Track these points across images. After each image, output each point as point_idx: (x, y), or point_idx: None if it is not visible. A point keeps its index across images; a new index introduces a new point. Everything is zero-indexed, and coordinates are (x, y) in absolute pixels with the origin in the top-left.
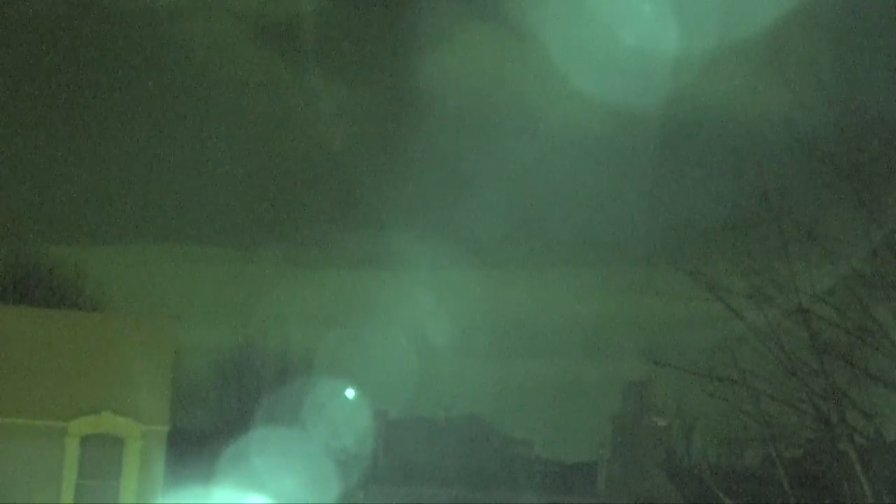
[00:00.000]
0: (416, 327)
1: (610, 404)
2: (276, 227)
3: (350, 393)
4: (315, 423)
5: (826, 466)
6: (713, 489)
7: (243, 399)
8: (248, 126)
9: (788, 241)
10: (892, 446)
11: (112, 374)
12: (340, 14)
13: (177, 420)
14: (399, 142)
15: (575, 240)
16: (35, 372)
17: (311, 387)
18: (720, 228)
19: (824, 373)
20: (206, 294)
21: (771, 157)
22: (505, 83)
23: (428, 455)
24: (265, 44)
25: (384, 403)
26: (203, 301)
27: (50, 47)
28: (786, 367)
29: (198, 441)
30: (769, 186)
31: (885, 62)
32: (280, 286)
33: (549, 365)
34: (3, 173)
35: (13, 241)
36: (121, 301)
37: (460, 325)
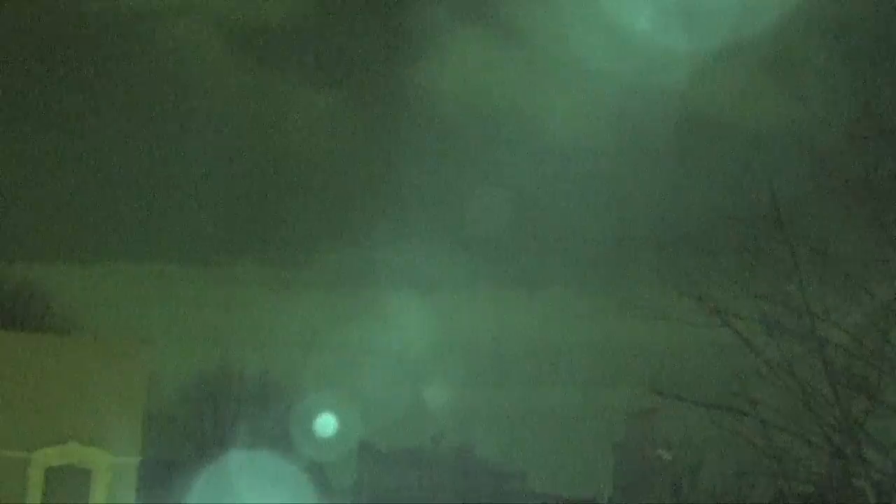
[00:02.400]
0: (402, 352)
1: (612, 435)
2: (254, 245)
3: (331, 421)
4: (295, 453)
5: (841, 503)
6: None
7: (220, 427)
8: (224, 137)
9: (801, 265)
10: None
11: (80, 400)
12: (325, 18)
13: (149, 450)
14: (386, 154)
15: (574, 260)
16: None
17: (290, 414)
18: (729, 250)
19: (839, 404)
20: (181, 315)
21: (782, 173)
22: (499, 91)
23: (415, 489)
24: (245, 50)
25: (368, 433)
26: (177, 323)
27: (17, 55)
28: (798, 397)
29: (171, 472)
30: (780, 206)
31: None
32: (258, 307)
33: (546, 393)
34: None
35: None
36: (90, 323)
37: (450, 350)
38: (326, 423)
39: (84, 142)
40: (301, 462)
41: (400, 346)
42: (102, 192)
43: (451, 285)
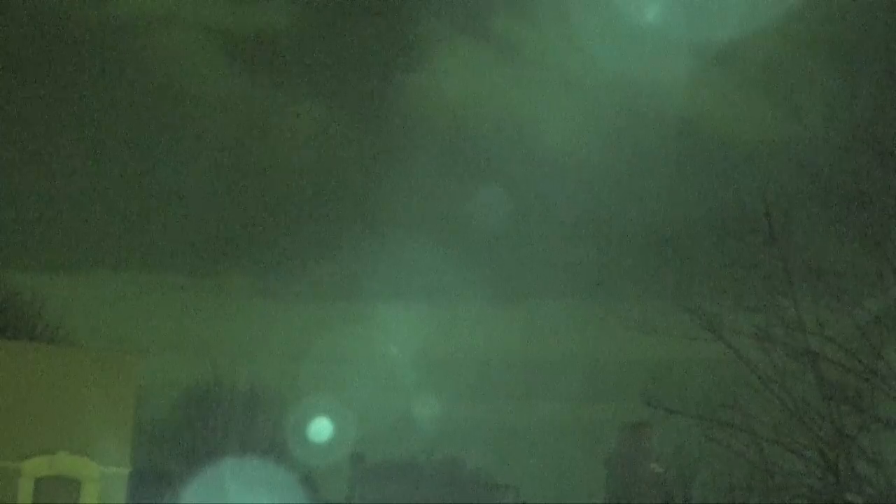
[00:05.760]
0: (393, 364)
1: (603, 449)
2: (245, 255)
3: (321, 431)
4: (286, 464)
5: None
6: None
7: (209, 438)
8: (215, 146)
9: (794, 278)
10: None
11: (69, 411)
12: (317, 29)
13: (138, 461)
14: (377, 165)
15: (565, 272)
16: None
17: (280, 425)
18: (722, 263)
19: (832, 418)
20: (171, 326)
21: (775, 186)
22: (491, 103)
23: (406, 500)
24: (236, 59)
25: (359, 445)
26: (167, 333)
27: (6, 63)
28: (791, 411)
29: (161, 483)
30: (773, 219)
31: (892, 87)
32: (248, 318)
33: (538, 405)
34: None
35: None
36: (80, 333)
37: (441, 362)
38: (318, 433)
39: (73, 150)
40: (292, 473)
41: (390, 357)
42: (92, 201)
43: (442, 297)
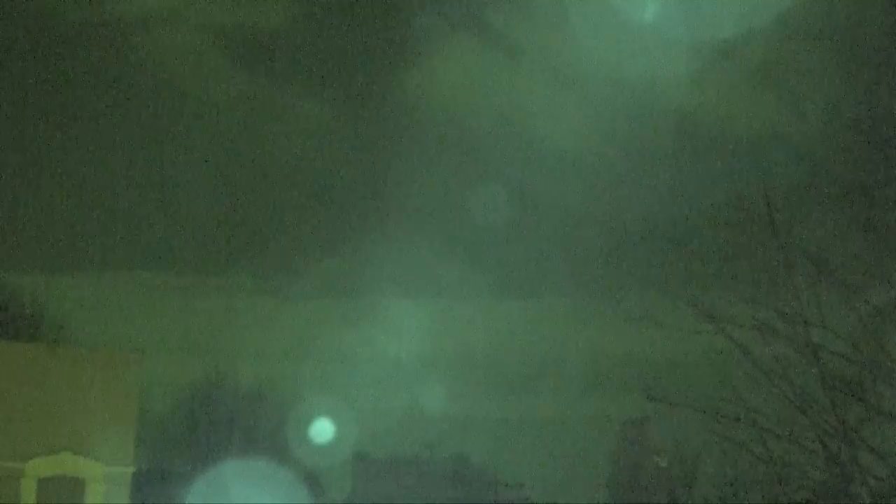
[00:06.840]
0: (397, 360)
1: (607, 444)
2: (247, 254)
3: (326, 430)
4: (290, 462)
5: None
6: None
7: (213, 436)
8: (217, 145)
9: (795, 270)
10: None
11: (73, 411)
12: (316, 28)
13: (142, 460)
14: (379, 162)
15: (568, 268)
16: None
17: (284, 423)
18: (723, 256)
19: (835, 410)
20: (173, 325)
21: (776, 178)
22: (492, 98)
23: (410, 497)
24: (237, 58)
25: (363, 442)
26: (169, 332)
27: (8, 64)
28: (794, 404)
29: (164, 482)
30: (775, 211)
31: (892, 80)
32: (252, 316)
33: (542, 401)
34: None
35: None
36: (82, 333)
37: (445, 358)
38: (321, 432)
39: (76, 151)
40: (296, 471)
41: (395, 354)
42: (95, 201)
43: (446, 294)
